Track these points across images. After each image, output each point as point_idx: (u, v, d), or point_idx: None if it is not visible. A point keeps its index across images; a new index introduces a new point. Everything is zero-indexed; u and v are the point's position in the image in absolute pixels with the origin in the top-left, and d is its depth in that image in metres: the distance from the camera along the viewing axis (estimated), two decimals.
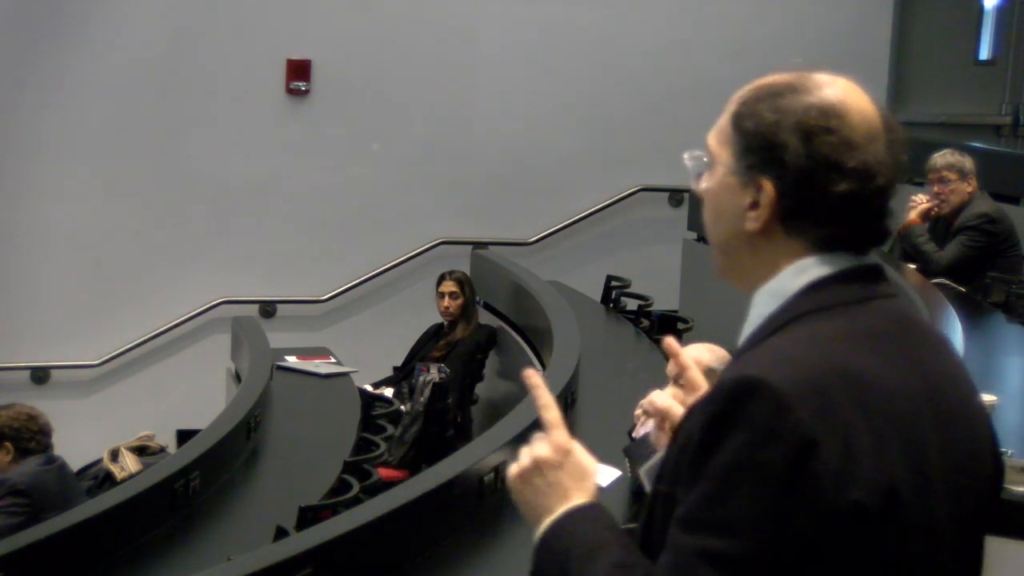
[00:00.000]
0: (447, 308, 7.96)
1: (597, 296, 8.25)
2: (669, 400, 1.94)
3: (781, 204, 1.70)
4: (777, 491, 1.56)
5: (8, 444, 5.52)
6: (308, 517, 4.58)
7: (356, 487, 5.15)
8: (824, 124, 1.68)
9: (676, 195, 9.73)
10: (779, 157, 1.69)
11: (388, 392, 7.68)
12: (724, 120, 1.76)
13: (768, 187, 1.70)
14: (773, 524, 1.56)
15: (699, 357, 4.64)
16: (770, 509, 1.56)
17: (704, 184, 1.78)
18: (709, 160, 1.77)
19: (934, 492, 1.66)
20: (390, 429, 6.71)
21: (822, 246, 1.71)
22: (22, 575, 4.39)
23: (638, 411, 4.73)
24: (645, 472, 1.75)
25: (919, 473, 1.64)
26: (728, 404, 1.60)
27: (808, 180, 1.68)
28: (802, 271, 1.71)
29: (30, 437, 5.54)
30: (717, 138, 1.76)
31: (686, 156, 1.80)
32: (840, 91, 1.71)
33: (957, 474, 1.70)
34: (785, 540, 1.56)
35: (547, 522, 1.74)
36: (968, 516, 1.72)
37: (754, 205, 1.71)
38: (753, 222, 1.72)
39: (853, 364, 1.64)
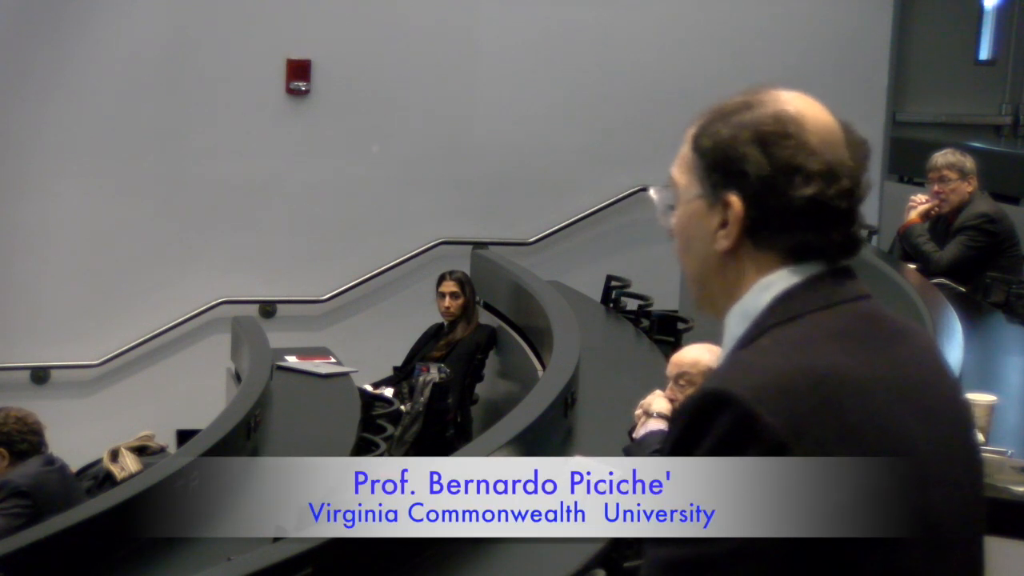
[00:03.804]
0: (448, 308, 7.95)
1: (597, 296, 8.25)
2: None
3: (748, 216, 1.69)
4: None
5: (2, 450, 5.53)
6: None
7: None
8: (781, 130, 1.68)
9: None
10: (741, 169, 1.69)
11: (388, 392, 7.67)
12: (684, 148, 1.76)
13: (734, 201, 1.70)
14: None
15: (699, 358, 4.65)
16: None
17: (673, 217, 1.78)
18: (675, 191, 1.77)
19: (929, 484, 1.64)
20: (390, 429, 6.70)
21: (792, 256, 1.70)
22: (22, 575, 4.39)
23: (638, 411, 4.73)
24: None
25: (906, 466, 1.62)
26: (695, 418, 1.60)
27: (772, 187, 1.68)
28: (767, 287, 1.70)
29: (21, 439, 5.54)
30: (679, 168, 1.77)
31: (652, 191, 1.81)
32: (793, 100, 1.72)
33: (952, 465, 1.69)
34: (752, 546, 1.55)
35: None
36: (971, 507, 1.71)
37: (723, 224, 1.71)
38: (724, 240, 1.71)
39: (819, 363, 1.62)
